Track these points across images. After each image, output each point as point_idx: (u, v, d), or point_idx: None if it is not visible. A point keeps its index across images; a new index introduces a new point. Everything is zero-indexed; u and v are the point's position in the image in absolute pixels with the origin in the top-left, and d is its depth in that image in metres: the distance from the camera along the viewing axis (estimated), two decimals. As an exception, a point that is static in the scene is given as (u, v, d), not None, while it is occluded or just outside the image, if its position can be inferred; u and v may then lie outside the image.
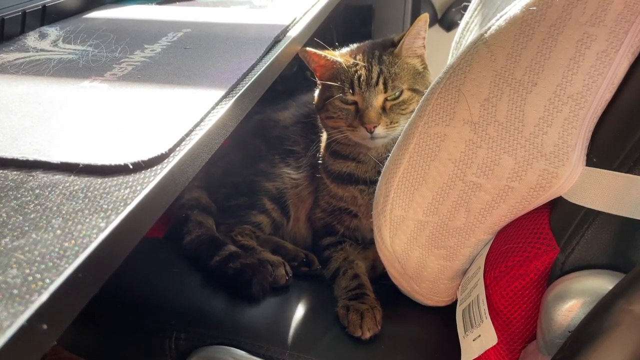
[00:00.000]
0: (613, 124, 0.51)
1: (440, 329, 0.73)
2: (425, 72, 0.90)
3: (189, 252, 0.87)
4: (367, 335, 0.72)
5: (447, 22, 1.90)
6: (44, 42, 0.68)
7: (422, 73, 0.89)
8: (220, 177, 1.02)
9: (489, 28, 0.55)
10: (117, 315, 0.78)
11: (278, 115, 1.05)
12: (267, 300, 0.77)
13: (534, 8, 0.52)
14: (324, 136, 0.95)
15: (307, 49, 0.86)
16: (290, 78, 1.37)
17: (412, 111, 0.83)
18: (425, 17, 0.86)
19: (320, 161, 0.95)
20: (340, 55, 0.89)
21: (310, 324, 0.75)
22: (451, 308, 0.69)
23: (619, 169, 0.50)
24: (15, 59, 0.62)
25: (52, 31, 0.72)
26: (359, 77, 0.84)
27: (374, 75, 0.84)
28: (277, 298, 0.78)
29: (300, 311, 0.76)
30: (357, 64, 0.86)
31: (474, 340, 0.60)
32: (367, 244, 0.92)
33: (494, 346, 0.58)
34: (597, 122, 0.52)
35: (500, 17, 0.54)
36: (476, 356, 0.60)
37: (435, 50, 1.45)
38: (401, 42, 0.86)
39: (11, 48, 0.65)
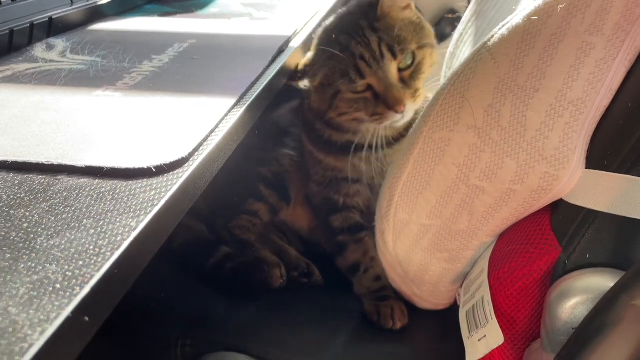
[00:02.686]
0: (611, 129, 0.53)
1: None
2: (421, 21, 0.80)
3: (178, 257, 0.86)
4: (398, 325, 0.76)
5: (438, 34, 1.94)
6: (52, 53, 0.69)
7: (420, 23, 0.79)
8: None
9: (492, 36, 0.57)
10: (119, 324, 0.78)
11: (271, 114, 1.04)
12: (273, 305, 0.78)
13: (536, 18, 0.54)
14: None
15: None
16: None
17: (430, 67, 0.78)
18: None
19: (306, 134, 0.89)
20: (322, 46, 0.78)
21: (317, 330, 0.75)
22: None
23: (617, 170, 0.52)
24: (26, 69, 0.63)
25: (59, 42, 0.73)
26: (361, 56, 0.74)
27: (375, 46, 0.74)
28: (283, 303, 0.79)
29: (306, 317, 0.77)
30: (348, 46, 0.75)
31: (479, 340, 0.62)
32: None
33: (499, 346, 0.59)
34: (596, 126, 0.54)
35: (503, 26, 0.57)
36: (482, 356, 0.61)
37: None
38: (380, 2, 0.76)
39: (20, 59, 0.66)
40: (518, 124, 0.56)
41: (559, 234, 0.57)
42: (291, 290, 0.82)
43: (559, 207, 0.58)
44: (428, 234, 0.66)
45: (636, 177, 0.51)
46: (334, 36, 0.77)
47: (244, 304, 0.77)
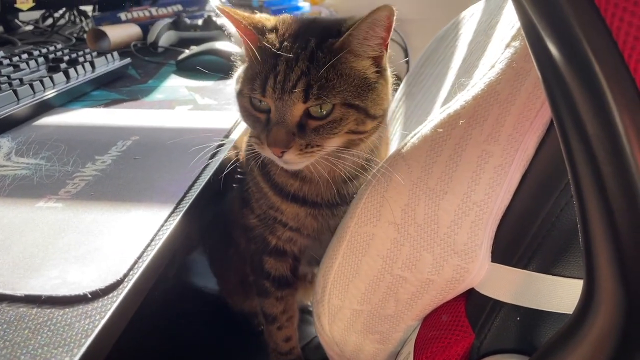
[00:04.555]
0: (509, 227, 0.59)
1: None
2: (379, 83, 0.66)
3: None
4: None
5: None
6: (-3, 155, 0.72)
7: (372, 84, 0.65)
8: None
9: (406, 144, 0.64)
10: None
11: None
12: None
13: (441, 130, 0.61)
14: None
15: (225, 8, 0.65)
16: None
17: (349, 131, 0.65)
18: (388, 9, 0.61)
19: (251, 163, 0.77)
20: (266, 28, 0.67)
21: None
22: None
23: (516, 265, 0.58)
24: (-29, 177, 0.65)
25: (5, 142, 0.76)
26: (276, 74, 0.62)
27: (294, 75, 0.61)
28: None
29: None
30: (279, 54, 0.63)
31: (408, 420, 0.66)
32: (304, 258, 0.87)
33: None
34: (498, 224, 0.61)
35: (414, 135, 0.63)
36: None
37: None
38: (346, 34, 0.62)
39: (-34, 163, 0.69)
40: (431, 221, 0.62)
41: (472, 321, 0.62)
42: None
43: (471, 296, 0.64)
44: (360, 317, 0.71)
45: (532, 272, 0.57)
46: (286, 29, 0.66)
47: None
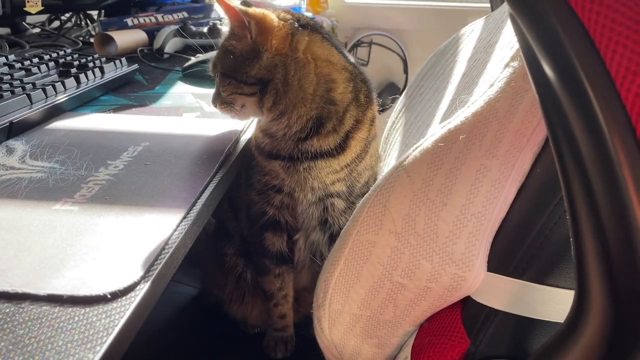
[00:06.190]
0: (506, 238, 0.62)
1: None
2: (239, 58, 0.84)
3: None
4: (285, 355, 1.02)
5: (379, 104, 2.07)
6: (12, 158, 0.74)
7: (237, 58, 0.84)
8: None
9: (408, 157, 0.67)
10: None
11: None
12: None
13: (442, 144, 0.64)
14: None
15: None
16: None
17: (237, 93, 0.86)
18: None
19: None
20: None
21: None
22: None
23: (512, 274, 0.61)
24: (-12, 179, 0.68)
25: (19, 145, 0.78)
26: None
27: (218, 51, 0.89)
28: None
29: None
30: None
31: (404, 421, 0.69)
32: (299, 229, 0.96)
33: None
34: (495, 235, 0.64)
35: (416, 148, 0.66)
36: None
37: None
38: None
39: (-19, 165, 0.71)
40: (431, 231, 0.65)
41: (468, 327, 0.65)
42: None
43: (467, 303, 0.66)
44: (359, 322, 0.74)
45: (526, 282, 0.60)
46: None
47: None
